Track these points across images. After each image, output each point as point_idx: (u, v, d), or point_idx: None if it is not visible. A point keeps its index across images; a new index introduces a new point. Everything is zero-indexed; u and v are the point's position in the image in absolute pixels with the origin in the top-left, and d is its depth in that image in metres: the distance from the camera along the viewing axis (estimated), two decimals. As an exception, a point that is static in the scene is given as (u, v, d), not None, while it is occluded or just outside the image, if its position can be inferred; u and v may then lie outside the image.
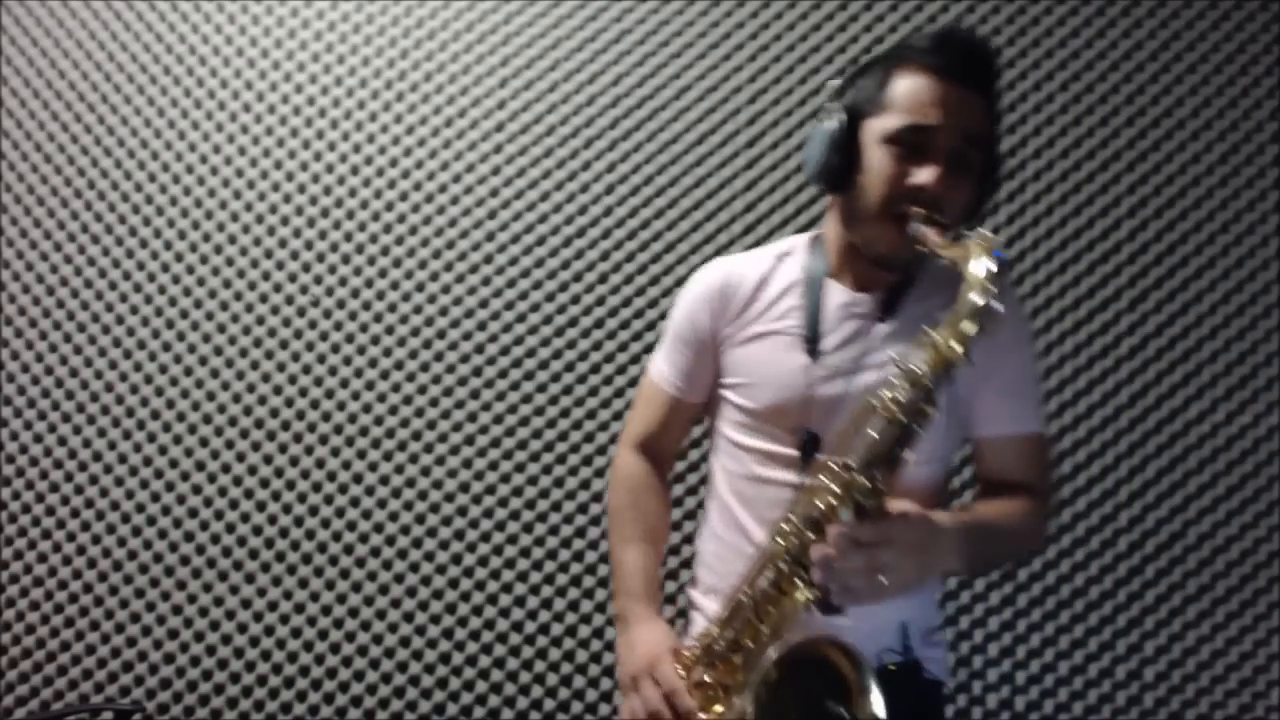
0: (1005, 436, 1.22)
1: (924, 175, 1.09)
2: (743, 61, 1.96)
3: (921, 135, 1.10)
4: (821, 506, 1.04)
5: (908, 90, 1.12)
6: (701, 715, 1.11)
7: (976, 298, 0.99)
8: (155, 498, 1.93)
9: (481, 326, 1.93)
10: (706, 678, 1.13)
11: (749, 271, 1.26)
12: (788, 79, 1.94)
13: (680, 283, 1.90)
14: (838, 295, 1.21)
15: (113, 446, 1.94)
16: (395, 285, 1.95)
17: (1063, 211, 1.89)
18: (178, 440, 1.94)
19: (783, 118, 1.93)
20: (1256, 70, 1.90)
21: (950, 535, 1.07)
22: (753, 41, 1.96)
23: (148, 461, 1.94)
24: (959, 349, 0.99)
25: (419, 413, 1.92)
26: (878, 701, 1.00)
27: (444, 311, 1.94)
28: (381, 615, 1.89)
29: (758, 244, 1.90)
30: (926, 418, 1.01)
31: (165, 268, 1.98)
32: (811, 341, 1.18)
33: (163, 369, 1.96)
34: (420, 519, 1.90)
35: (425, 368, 1.93)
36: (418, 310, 1.94)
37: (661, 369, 1.33)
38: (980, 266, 1.00)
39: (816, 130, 1.17)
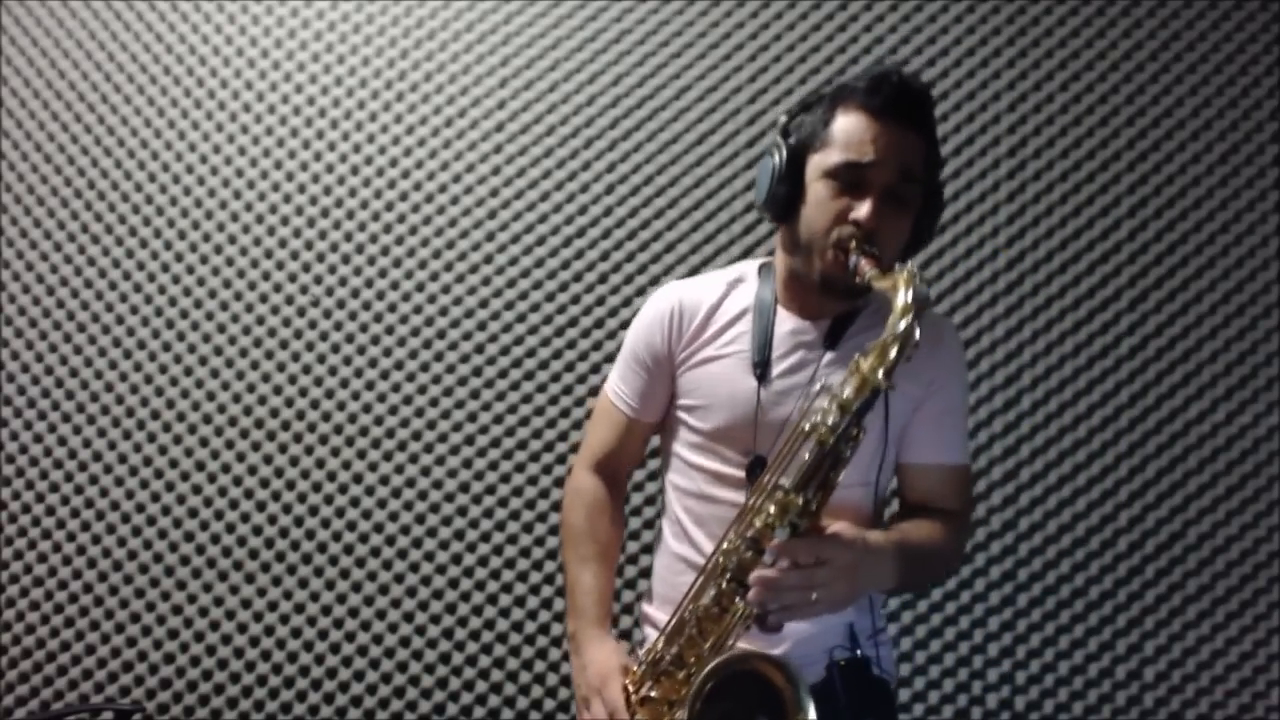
0: (932, 465, 1.28)
1: (860, 210, 1.15)
2: (743, 61, 1.96)
3: (858, 172, 1.16)
4: (759, 526, 1.10)
5: (846, 128, 1.18)
6: None
7: (898, 326, 1.06)
8: (155, 498, 1.93)
9: (481, 326, 1.94)
10: (653, 693, 1.18)
11: (702, 296, 1.31)
12: (788, 79, 1.94)
13: (680, 283, 1.91)
14: (786, 323, 1.26)
15: (113, 446, 1.94)
16: (395, 285, 1.95)
17: (1063, 211, 1.89)
18: (178, 440, 1.94)
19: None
20: (1256, 70, 1.90)
21: (882, 555, 1.14)
22: (753, 41, 1.96)
23: (148, 461, 1.94)
24: (882, 375, 1.05)
25: (419, 413, 1.92)
26: (811, 716, 1.05)
27: (444, 311, 1.94)
28: (381, 615, 1.89)
29: (757, 245, 1.91)
30: (855, 440, 1.09)
31: (165, 268, 1.98)
32: (761, 366, 1.24)
33: (163, 369, 1.96)
34: (420, 519, 1.90)
35: (425, 368, 1.93)
36: (418, 310, 1.94)
37: (617, 389, 1.37)
38: (904, 296, 1.06)
39: (763, 162, 1.24)
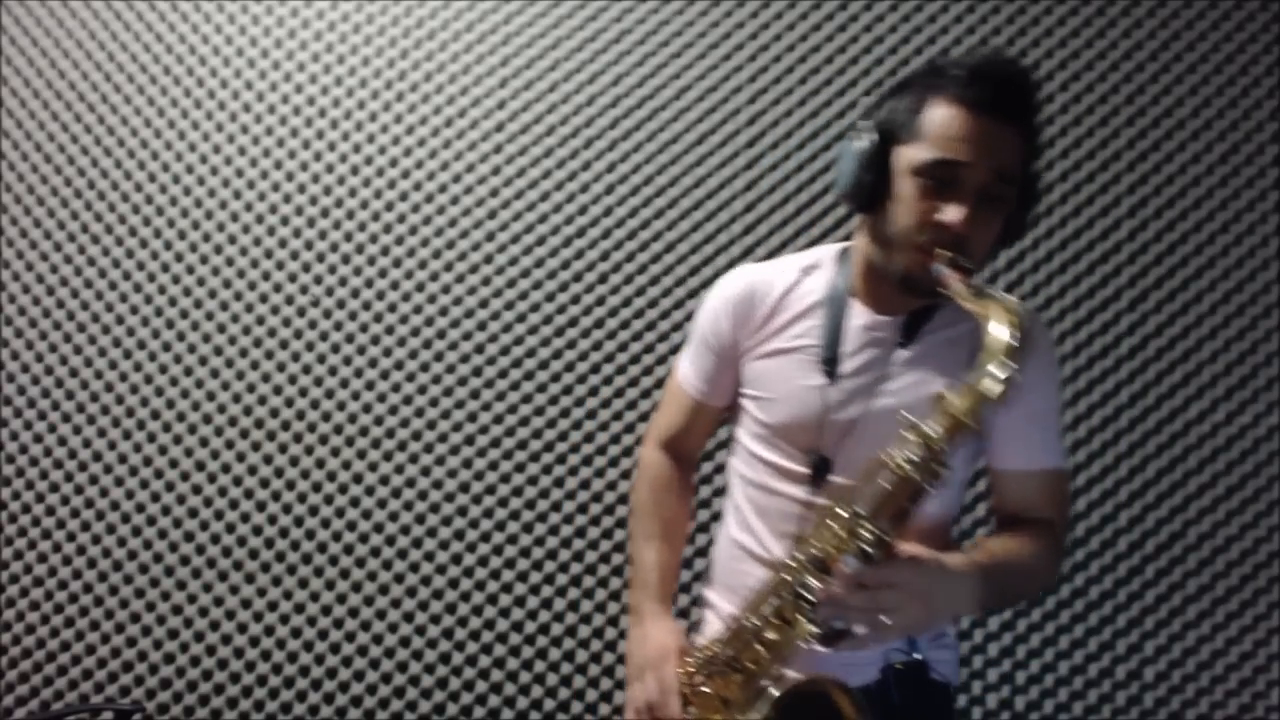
0: (1026, 470, 1.21)
1: (950, 214, 1.08)
2: (743, 61, 1.96)
3: (951, 171, 1.08)
4: (828, 549, 1.05)
5: (940, 122, 1.09)
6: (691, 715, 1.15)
7: (996, 369, 0.99)
8: (155, 498, 1.93)
9: (481, 326, 1.93)
10: (706, 688, 1.15)
11: (774, 282, 1.25)
12: (788, 79, 1.94)
13: (680, 283, 1.91)
14: (859, 317, 1.20)
15: (113, 446, 1.94)
16: (395, 285, 1.95)
17: (1063, 211, 1.89)
18: (178, 440, 1.94)
19: (783, 118, 1.93)
20: (1256, 70, 1.90)
21: (961, 580, 1.07)
22: (753, 41, 1.96)
23: (148, 461, 1.94)
24: (973, 418, 1.00)
25: (419, 413, 1.92)
26: None
27: (444, 311, 1.94)
28: (381, 615, 1.89)
29: (757, 244, 1.90)
30: (938, 478, 1.02)
31: (165, 268, 1.98)
32: (830, 363, 1.18)
33: (163, 369, 1.96)
34: (420, 519, 1.90)
35: (425, 368, 1.93)
36: (418, 310, 1.94)
37: (685, 371, 1.33)
38: (1002, 333, 1.00)
39: (846, 148, 1.16)
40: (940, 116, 1.09)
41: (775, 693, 1.06)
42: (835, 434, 1.15)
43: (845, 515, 1.04)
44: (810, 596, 1.05)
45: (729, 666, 1.13)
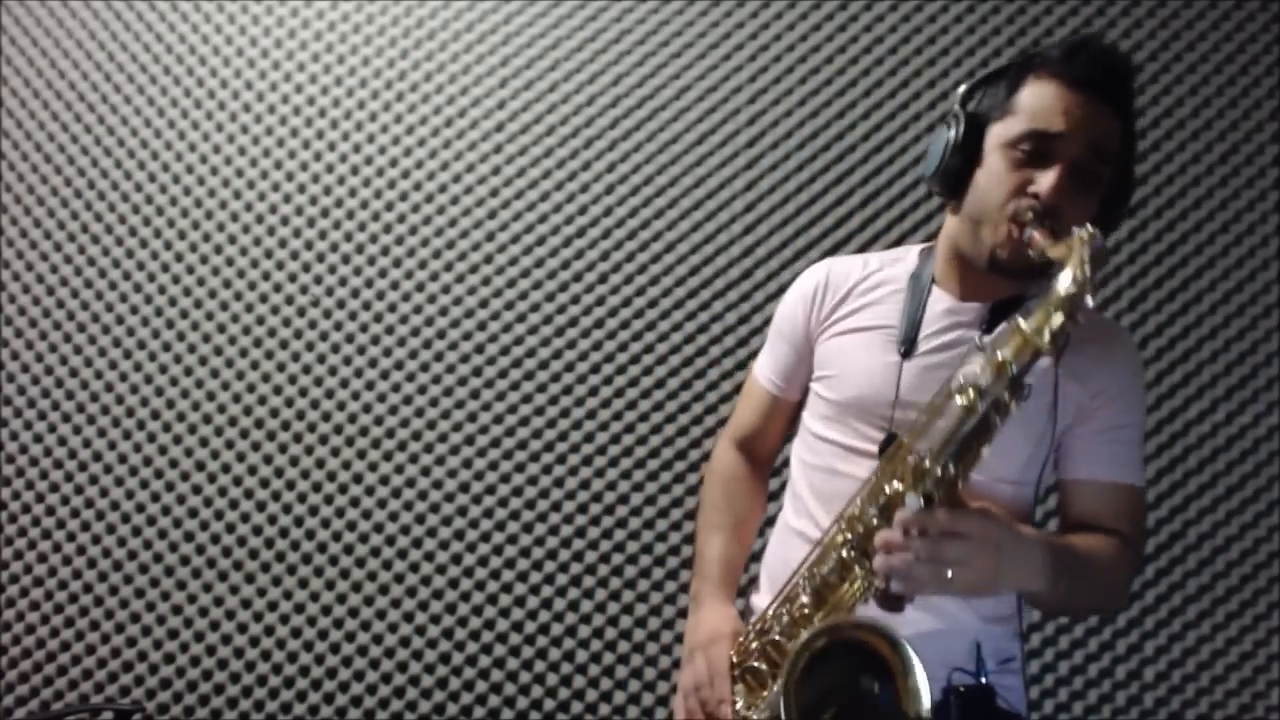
0: (1101, 482, 1.15)
1: (1042, 183, 1.05)
2: (743, 61, 1.96)
3: (1045, 143, 1.06)
4: (889, 492, 1.01)
5: (1035, 97, 1.08)
6: (739, 700, 1.11)
7: (1069, 286, 0.95)
8: (155, 498, 1.93)
9: (481, 326, 1.93)
10: (759, 664, 1.11)
11: (852, 269, 1.24)
12: (788, 79, 1.94)
13: (680, 283, 1.91)
14: (941, 302, 1.17)
15: (113, 446, 1.94)
16: (395, 285, 1.95)
17: (1063, 211, 1.89)
18: (178, 440, 1.94)
19: (783, 118, 1.93)
20: (1256, 70, 1.89)
21: (1033, 547, 1.01)
22: (753, 41, 1.96)
23: (148, 461, 1.94)
24: (1047, 338, 0.94)
25: (419, 413, 1.92)
26: (923, 685, 0.93)
27: (444, 311, 1.94)
28: (381, 615, 1.89)
29: (757, 244, 1.91)
30: (1006, 410, 0.97)
31: (165, 268, 1.98)
32: (908, 344, 1.14)
33: (163, 369, 1.96)
34: (420, 519, 1.90)
35: (425, 368, 1.93)
36: (418, 310, 1.94)
37: (762, 366, 1.33)
38: (1080, 253, 0.95)
39: (937, 133, 1.15)
40: (1036, 91, 1.08)
41: (809, 635, 0.99)
42: (907, 414, 1.10)
43: (909, 455, 0.99)
44: (868, 548, 0.99)
45: (782, 636, 1.09)
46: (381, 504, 1.91)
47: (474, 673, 1.87)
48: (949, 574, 0.94)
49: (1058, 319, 0.94)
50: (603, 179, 1.95)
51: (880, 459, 1.07)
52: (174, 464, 1.93)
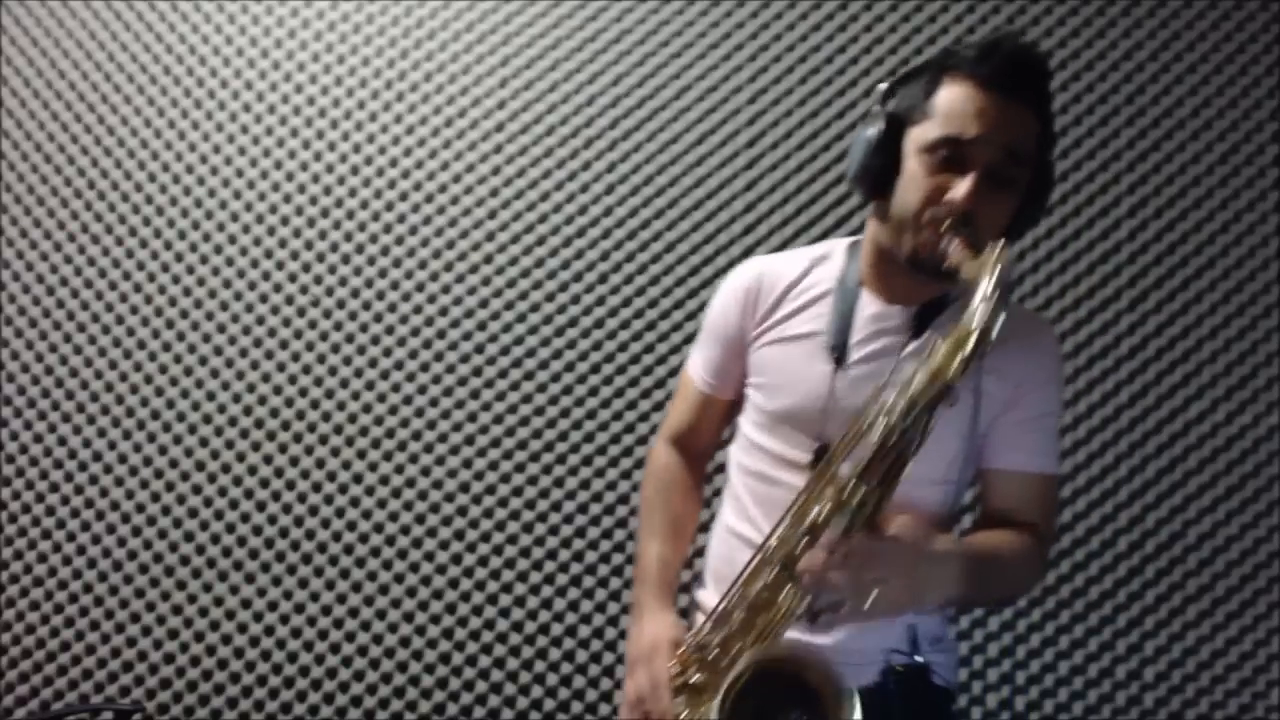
0: (1018, 471, 1.19)
1: (957, 190, 1.06)
2: (743, 61, 1.96)
3: (959, 148, 1.07)
4: (815, 514, 1.04)
5: (950, 100, 1.09)
6: (683, 712, 1.12)
7: (974, 318, 0.97)
8: (155, 498, 1.93)
9: (481, 326, 1.93)
10: (697, 679, 1.13)
11: (784, 271, 1.25)
12: (788, 79, 1.94)
13: (680, 283, 1.91)
14: (869, 306, 1.19)
15: (113, 446, 1.94)
16: (395, 285, 1.95)
17: (1063, 211, 1.89)
18: (178, 440, 1.94)
19: (783, 118, 1.93)
20: (1256, 70, 1.89)
21: (947, 561, 1.06)
22: (753, 41, 1.96)
23: (148, 461, 1.94)
24: (955, 368, 0.97)
25: (419, 413, 1.92)
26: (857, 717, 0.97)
27: (444, 311, 1.94)
28: (381, 615, 1.89)
29: (757, 244, 1.90)
30: (923, 434, 1.00)
31: (165, 268, 1.98)
32: (838, 350, 1.16)
33: (163, 369, 1.96)
34: (420, 519, 1.90)
35: (425, 368, 1.93)
36: (418, 310, 1.94)
37: (694, 364, 1.33)
38: (987, 284, 0.97)
39: (857, 133, 1.16)
40: (951, 94, 1.09)
41: (747, 662, 1.03)
42: (838, 422, 1.12)
43: (834, 477, 1.03)
44: (795, 568, 1.03)
45: (719, 653, 1.11)
46: (381, 504, 1.91)
47: (474, 673, 1.87)
48: (871, 596, 0.98)
49: (969, 347, 0.97)
50: (603, 179, 1.95)
51: (812, 472, 1.11)
52: (174, 464, 1.93)
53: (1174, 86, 1.90)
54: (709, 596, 1.24)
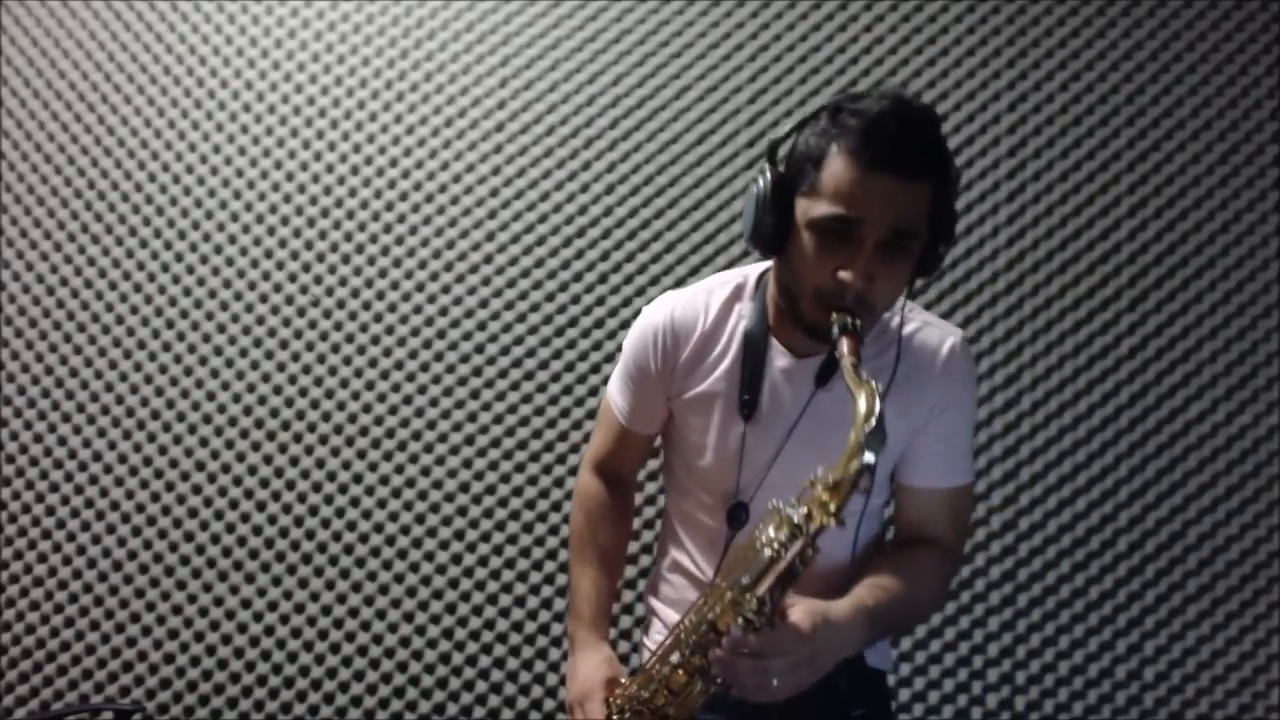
0: (929, 488, 1.24)
1: (850, 271, 1.06)
2: (743, 61, 1.96)
3: (848, 226, 1.06)
4: (718, 613, 1.08)
5: (836, 178, 1.06)
6: None
7: (851, 464, 0.99)
8: (155, 498, 1.93)
9: (481, 326, 1.93)
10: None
11: (696, 317, 1.26)
12: (788, 79, 1.94)
13: (680, 283, 1.91)
14: (779, 359, 1.21)
15: (113, 446, 1.94)
16: (395, 285, 1.95)
17: (1063, 211, 1.89)
18: (178, 440, 1.94)
19: (783, 118, 1.93)
20: (1256, 70, 1.89)
21: (847, 627, 1.09)
22: (753, 41, 1.96)
23: (148, 461, 1.94)
24: (831, 510, 1.00)
25: (419, 413, 1.92)
26: None
27: (444, 311, 1.94)
28: (381, 615, 1.89)
29: (758, 244, 1.90)
30: (808, 561, 1.04)
31: (165, 268, 1.98)
32: (749, 406, 1.20)
33: (163, 369, 1.96)
34: (420, 519, 1.90)
35: (425, 368, 1.93)
36: (418, 310, 1.94)
37: (615, 397, 1.36)
38: (860, 431, 0.98)
39: (750, 191, 1.14)
40: (836, 171, 1.06)
41: None
42: (751, 475, 1.20)
43: (729, 586, 1.07)
44: (706, 660, 1.09)
45: (646, 709, 1.16)
46: (381, 504, 1.91)
47: (474, 673, 1.87)
48: (774, 683, 1.02)
49: (843, 489, 1.00)
50: (603, 179, 1.95)
51: (729, 527, 1.20)
52: (174, 464, 1.93)
53: (1174, 86, 1.90)
54: (659, 605, 1.33)
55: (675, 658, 1.13)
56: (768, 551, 1.04)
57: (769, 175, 1.12)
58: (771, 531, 1.05)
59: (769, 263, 1.24)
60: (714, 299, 1.26)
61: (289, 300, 1.96)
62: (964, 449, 1.25)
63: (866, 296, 1.07)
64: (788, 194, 1.11)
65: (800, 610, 1.05)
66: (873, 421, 0.98)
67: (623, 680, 1.22)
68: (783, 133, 1.13)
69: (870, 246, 1.06)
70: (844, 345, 1.05)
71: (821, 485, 1.02)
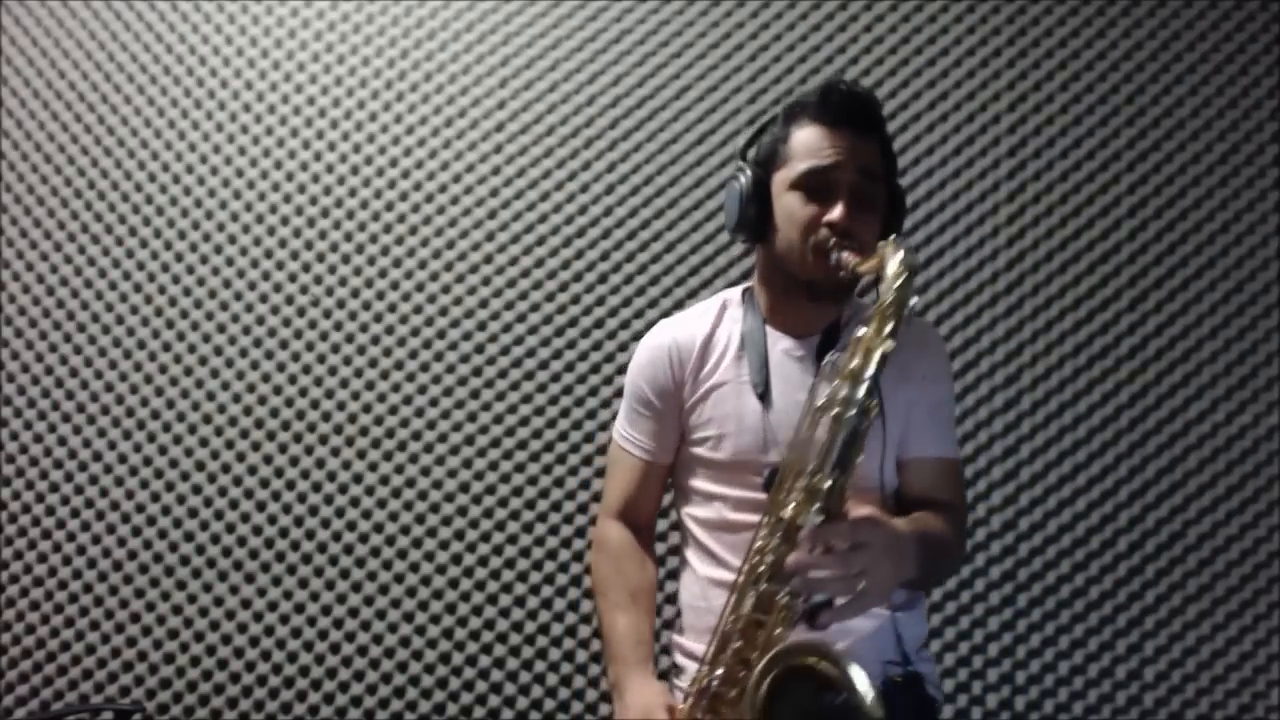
0: (930, 458, 1.29)
1: (833, 212, 1.20)
2: (743, 61, 1.96)
3: (822, 176, 1.22)
4: (787, 519, 1.08)
5: (804, 140, 1.24)
6: None
7: (891, 291, 1.07)
8: (155, 498, 1.93)
9: (481, 326, 1.93)
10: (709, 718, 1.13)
11: (694, 328, 1.34)
12: (788, 79, 1.94)
13: (680, 283, 1.91)
14: (779, 343, 1.29)
15: (113, 446, 1.94)
16: (395, 285, 1.95)
17: (1063, 211, 1.89)
18: (178, 440, 1.94)
19: (783, 118, 1.93)
20: (1256, 70, 1.90)
21: (909, 540, 1.12)
22: (753, 41, 1.96)
23: (148, 461, 1.94)
24: (887, 339, 1.07)
25: (419, 413, 1.92)
26: (866, 688, 0.99)
27: (444, 311, 1.94)
28: (381, 615, 1.89)
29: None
30: (870, 412, 1.07)
31: (165, 268, 1.98)
32: (761, 387, 1.26)
33: (163, 369, 1.96)
34: (420, 519, 1.90)
35: (425, 368, 1.93)
36: (418, 310, 1.94)
37: (628, 435, 1.37)
38: (893, 263, 1.08)
39: (728, 188, 1.30)
40: (803, 135, 1.24)
41: (756, 675, 1.04)
42: (777, 452, 1.22)
43: (793, 482, 1.08)
44: (781, 575, 1.06)
45: (724, 685, 1.12)
46: (381, 504, 1.91)
47: (474, 673, 1.87)
48: (860, 585, 1.03)
49: (890, 320, 1.07)
50: (603, 179, 1.95)
51: (769, 492, 1.16)
52: (174, 464, 1.93)
53: (1174, 86, 1.90)
54: (691, 644, 1.27)
55: (749, 601, 1.09)
56: (829, 414, 1.06)
57: (746, 167, 1.28)
58: (827, 393, 1.08)
59: (743, 285, 1.37)
60: (703, 317, 1.36)
61: (289, 300, 1.96)
62: (951, 423, 1.36)
63: (851, 235, 1.20)
64: (764, 180, 1.27)
65: (866, 507, 1.08)
66: (904, 254, 1.08)
67: (681, 705, 1.17)
68: (741, 144, 1.33)
69: (845, 190, 1.21)
70: (845, 256, 1.17)
71: (866, 327, 1.08)
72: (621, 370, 1.90)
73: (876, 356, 1.06)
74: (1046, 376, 1.86)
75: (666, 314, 1.89)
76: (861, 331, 1.09)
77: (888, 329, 1.07)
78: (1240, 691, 1.79)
